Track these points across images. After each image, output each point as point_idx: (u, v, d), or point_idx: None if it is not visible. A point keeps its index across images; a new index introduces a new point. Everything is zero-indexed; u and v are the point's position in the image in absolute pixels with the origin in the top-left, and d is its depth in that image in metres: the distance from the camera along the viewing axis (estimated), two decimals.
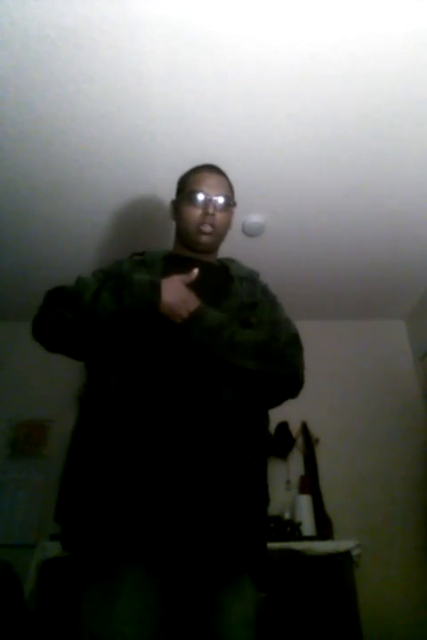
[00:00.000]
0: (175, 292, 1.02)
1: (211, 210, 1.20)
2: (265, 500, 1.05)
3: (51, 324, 1.06)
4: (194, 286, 1.08)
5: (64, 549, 0.96)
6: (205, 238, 1.22)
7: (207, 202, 1.20)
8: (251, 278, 1.28)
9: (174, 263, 1.22)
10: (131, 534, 0.87)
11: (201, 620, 0.91)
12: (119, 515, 0.88)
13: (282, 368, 1.07)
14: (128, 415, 0.95)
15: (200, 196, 1.21)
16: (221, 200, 1.22)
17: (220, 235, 1.26)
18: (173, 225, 1.37)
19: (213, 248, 1.28)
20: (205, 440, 0.94)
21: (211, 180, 1.24)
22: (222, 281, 1.23)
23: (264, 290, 1.28)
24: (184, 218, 1.24)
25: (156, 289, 1.02)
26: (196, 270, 1.06)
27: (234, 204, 1.28)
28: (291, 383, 1.12)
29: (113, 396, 0.98)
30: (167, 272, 1.13)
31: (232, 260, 1.34)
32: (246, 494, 0.96)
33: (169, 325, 1.03)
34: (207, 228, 1.21)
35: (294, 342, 1.15)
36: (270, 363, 1.06)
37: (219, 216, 1.22)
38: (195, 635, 0.90)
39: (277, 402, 1.15)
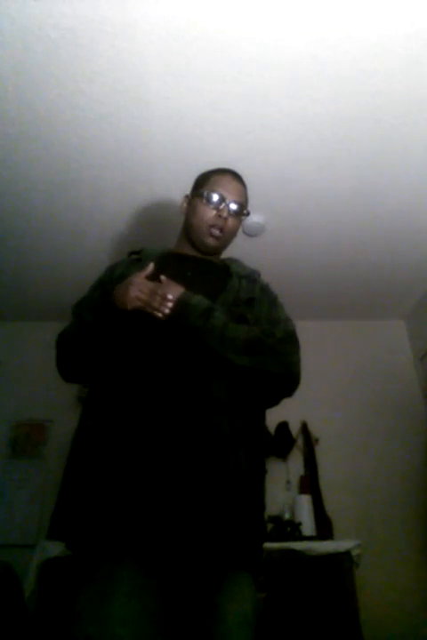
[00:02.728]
0: (137, 287, 1.05)
1: (224, 213, 1.21)
2: (259, 497, 1.04)
3: (63, 368, 1.20)
4: (191, 282, 1.08)
5: (69, 549, 0.96)
6: (212, 240, 1.23)
7: (223, 205, 1.21)
8: (251, 277, 1.28)
9: (169, 261, 1.22)
10: (126, 533, 0.87)
11: (199, 621, 0.91)
12: (115, 514, 0.88)
13: (275, 365, 1.06)
14: (124, 416, 0.96)
15: (217, 198, 1.22)
16: (235, 206, 1.23)
17: (226, 240, 1.27)
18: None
19: (217, 251, 1.28)
20: (197, 438, 0.94)
21: (231, 185, 1.25)
22: (220, 278, 1.23)
23: (265, 289, 1.27)
24: (196, 215, 1.24)
25: (107, 295, 1.09)
26: (151, 265, 1.11)
27: (247, 214, 1.28)
28: (285, 381, 1.10)
29: (110, 397, 0.99)
30: (160, 270, 1.13)
31: (235, 260, 1.35)
32: (236, 492, 0.95)
33: (161, 322, 1.03)
34: (216, 232, 1.22)
35: (289, 339, 1.13)
36: (262, 359, 1.04)
37: (230, 221, 1.23)
38: (192, 635, 0.90)
39: (274, 400, 1.14)
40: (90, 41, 1.58)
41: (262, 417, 1.15)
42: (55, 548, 2.08)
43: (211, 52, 1.62)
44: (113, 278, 1.20)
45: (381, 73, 1.69)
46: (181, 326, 1.03)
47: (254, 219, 2.33)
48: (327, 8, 1.50)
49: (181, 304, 1.03)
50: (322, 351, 3.10)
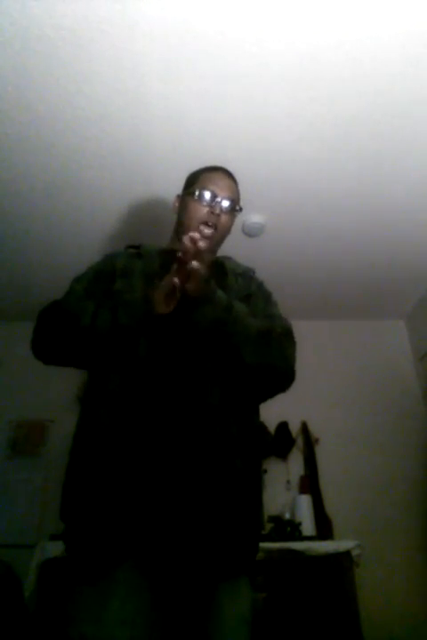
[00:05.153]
0: (165, 282, 1.02)
1: (217, 210, 1.20)
2: (256, 500, 1.04)
3: (51, 345, 1.09)
4: None
5: (67, 552, 0.95)
6: (206, 236, 1.22)
7: (215, 202, 1.20)
8: (246, 275, 1.28)
9: (171, 257, 1.21)
10: (123, 536, 0.87)
11: (195, 621, 0.90)
12: (112, 516, 0.88)
13: (278, 359, 1.07)
14: (125, 417, 0.96)
15: (208, 195, 1.21)
16: (227, 203, 1.22)
17: (220, 236, 1.26)
18: (171, 222, 1.36)
19: (211, 248, 1.28)
20: (194, 444, 0.94)
21: (222, 182, 1.24)
22: (217, 276, 1.22)
23: (260, 286, 1.28)
24: (188, 213, 1.23)
25: (148, 301, 1.03)
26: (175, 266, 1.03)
27: (239, 210, 1.27)
28: (284, 375, 1.11)
29: (111, 398, 0.99)
30: (165, 266, 1.13)
31: (228, 258, 1.34)
32: (234, 496, 0.95)
33: (170, 325, 1.03)
34: (211, 228, 1.21)
35: (288, 335, 1.15)
36: (269, 351, 1.06)
37: (223, 218, 1.22)
38: (189, 636, 0.90)
39: (270, 395, 1.14)
40: (90, 41, 1.58)
41: (257, 415, 1.15)
42: (55, 548, 2.08)
43: (211, 52, 1.62)
44: (116, 269, 1.18)
45: (380, 73, 1.69)
46: (203, 314, 1.02)
47: (254, 219, 2.33)
48: (327, 9, 1.50)
49: (211, 288, 1.02)
50: (322, 351, 3.11)
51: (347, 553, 2.24)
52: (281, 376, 1.11)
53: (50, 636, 1.80)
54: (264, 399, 1.15)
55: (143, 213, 2.30)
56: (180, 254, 0.98)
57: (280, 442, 2.81)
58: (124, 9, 1.50)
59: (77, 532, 0.92)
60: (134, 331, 1.02)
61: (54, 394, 2.89)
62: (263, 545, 1.07)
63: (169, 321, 1.02)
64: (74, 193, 2.19)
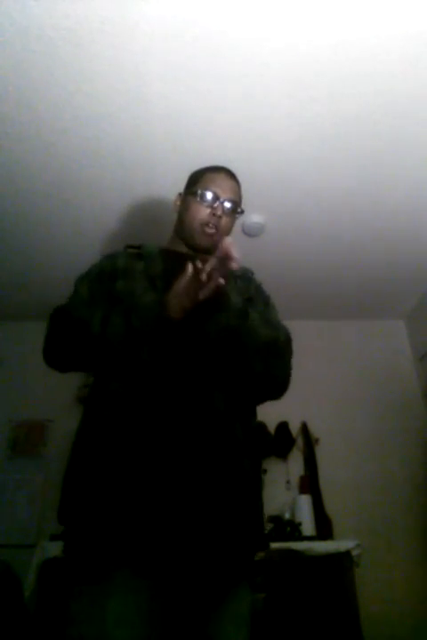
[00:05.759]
0: (185, 291, 0.99)
1: (219, 211, 1.19)
2: (260, 503, 1.04)
3: (62, 355, 1.08)
4: None
5: (65, 553, 0.95)
6: (206, 239, 1.21)
7: (217, 203, 1.19)
8: (245, 276, 1.27)
9: (173, 258, 1.20)
10: (125, 538, 0.87)
11: (195, 621, 0.90)
12: (114, 518, 0.88)
13: (280, 369, 1.08)
14: (128, 420, 0.95)
15: (211, 196, 1.20)
16: (229, 204, 1.21)
17: (220, 238, 1.26)
18: (171, 221, 1.35)
19: (211, 249, 1.28)
20: (202, 448, 0.94)
21: (225, 183, 1.23)
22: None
23: (258, 288, 1.27)
24: (190, 213, 1.22)
25: (163, 305, 1.00)
26: (191, 267, 1.00)
27: (241, 212, 1.27)
28: (284, 385, 1.13)
29: (115, 400, 0.98)
30: (166, 266, 1.13)
31: None
32: (243, 499, 0.95)
33: (177, 330, 1.01)
34: (210, 230, 1.20)
35: (289, 344, 1.15)
36: (276, 363, 1.07)
37: (224, 219, 1.21)
38: (188, 636, 0.90)
39: (263, 402, 1.15)
40: (90, 41, 1.58)
41: (255, 417, 1.15)
42: (55, 548, 2.07)
43: (211, 52, 1.62)
44: (116, 269, 1.17)
45: (380, 73, 1.69)
46: (216, 323, 1.00)
47: (254, 219, 2.33)
48: (328, 9, 1.50)
49: (225, 295, 1.00)
50: (322, 351, 3.11)
51: (347, 553, 2.24)
52: (280, 385, 1.12)
53: (50, 636, 1.80)
54: (258, 404, 1.15)
55: (143, 213, 2.30)
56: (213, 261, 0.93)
57: (280, 442, 2.81)
58: (124, 9, 1.50)
59: (76, 535, 0.91)
60: (147, 334, 1.00)
61: (54, 394, 2.89)
62: None
63: (177, 326, 1.00)
64: (74, 193, 2.19)
